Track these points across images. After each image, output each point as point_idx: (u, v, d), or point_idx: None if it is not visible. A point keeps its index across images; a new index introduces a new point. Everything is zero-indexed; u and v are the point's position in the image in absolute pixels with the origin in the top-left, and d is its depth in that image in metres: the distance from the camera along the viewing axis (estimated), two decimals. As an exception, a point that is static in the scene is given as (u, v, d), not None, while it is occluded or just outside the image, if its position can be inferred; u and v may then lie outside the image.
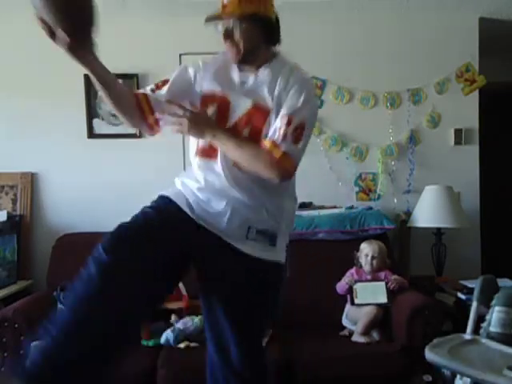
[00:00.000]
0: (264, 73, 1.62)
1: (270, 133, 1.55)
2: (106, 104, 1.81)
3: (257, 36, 1.60)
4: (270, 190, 1.62)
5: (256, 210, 1.60)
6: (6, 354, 2.32)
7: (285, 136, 1.51)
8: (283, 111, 1.55)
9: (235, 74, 1.65)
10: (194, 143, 1.69)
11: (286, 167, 1.56)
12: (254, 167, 1.55)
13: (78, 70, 3.22)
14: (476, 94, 3.29)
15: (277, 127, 1.53)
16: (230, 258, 1.58)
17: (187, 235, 1.58)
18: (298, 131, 1.53)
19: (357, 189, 3.27)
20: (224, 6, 1.56)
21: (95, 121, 3.19)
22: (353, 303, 2.60)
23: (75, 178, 3.17)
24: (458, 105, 3.27)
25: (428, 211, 3.00)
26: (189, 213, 1.59)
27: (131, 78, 3.17)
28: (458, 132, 3.26)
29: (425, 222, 3.00)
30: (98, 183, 3.17)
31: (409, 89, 3.25)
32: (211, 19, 1.59)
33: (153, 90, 1.72)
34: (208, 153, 1.63)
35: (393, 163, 3.26)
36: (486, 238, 3.40)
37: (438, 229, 3.05)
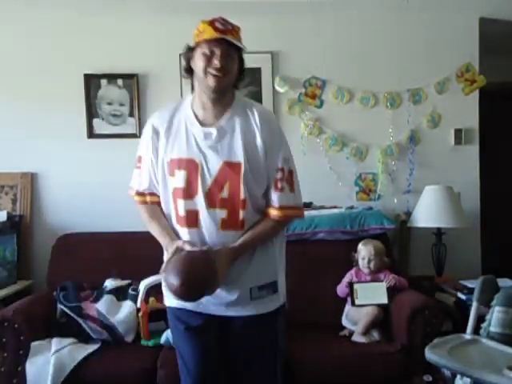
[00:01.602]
0: (227, 121, 1.60)
1: (272, 191, 1.61)
2: (106, 105, 1.79)
3: (235, 72, 1.61)
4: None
5: (252, 269, 1.63)
6: (5, 354, 2.32)
7: (280, 190, 1.61)
8: (274, 165, 1.60)
9: (196, 129, 1.61)
10: (172, 209, 1.64)
11: (294, 216, 1.68)
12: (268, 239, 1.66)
13: (78, 70, 3.26)
14: (476, 93, 3.29)
15: (271, 183, 1.61)
16: (241, 328, 1.65)
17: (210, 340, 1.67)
18: (291, 178, 1.65)
19: (357, 189, 3.27)
20: (223, 31, 1.55)
21: (95, 121, 3.19)
22: (353, 304, 2.60)
23: (75, 178, 3.17)
24: (458, 105, 3.27)
25: (428, 211, 3.00)
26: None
27: (131, 78, 3.17)
28: (457, 132, 3.26)
29: (425, 222, 3.00)
30: (98, 183, 3.17)
31: (409, 89, 3.25)
32: (217, 38, 1.54)
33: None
34: (189, 221, 1.60)
35: (393, 163, 3.26)
36: (485, 238, 3.40)
37: (438, 229, 3.05)
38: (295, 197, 1.66)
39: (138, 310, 2.55)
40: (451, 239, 3.09)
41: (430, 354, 1.90)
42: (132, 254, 2.88)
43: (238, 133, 1.59)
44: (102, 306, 2.58)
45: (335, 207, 3.07)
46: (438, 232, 3.06)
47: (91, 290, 2.69)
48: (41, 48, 3.17)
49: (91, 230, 3.03)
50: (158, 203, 1.70)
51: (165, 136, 1.63)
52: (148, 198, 1.71)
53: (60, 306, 2.59)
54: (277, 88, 3.22)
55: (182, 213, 1.60)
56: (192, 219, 1.59)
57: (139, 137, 3.12)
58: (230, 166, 1.57)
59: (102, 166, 3.19)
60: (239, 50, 1.60)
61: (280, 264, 1.72)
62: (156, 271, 2.69)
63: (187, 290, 1.48)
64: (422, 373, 2.31)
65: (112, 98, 3.19)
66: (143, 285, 2.59)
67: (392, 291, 2.60)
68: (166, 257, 1.62)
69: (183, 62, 1.66)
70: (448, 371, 2.14)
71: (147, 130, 1.69)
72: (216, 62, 1.54)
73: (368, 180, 3.27)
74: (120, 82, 3.19)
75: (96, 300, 2.62)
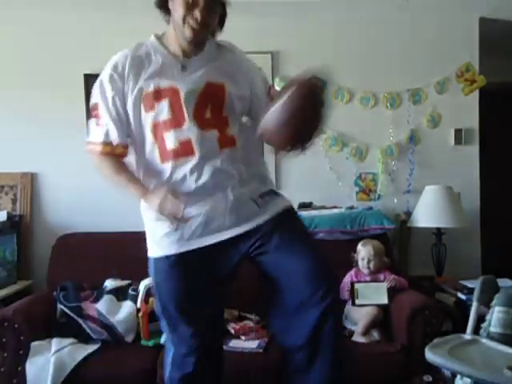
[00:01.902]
0: (204, 55, 1.60)
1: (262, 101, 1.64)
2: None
3: (216, 24, 1.60)
4: (251, 159, 1.66)
5: (248, 183, 1.62)
6: (5, 354, 2.32)
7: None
8: (263, 89, 1.68)
9: (169, 61, 1.58)
10: (153, 148, 1.58)
11: None
12: None
13: (78, 70, 3.26)
14: (476, 93, 3.29)
15: (264, 92, 1.68)
16: (264, 235, 1.60)
17: (215, 267, 1.63)
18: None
19: (357, 189, 3.27)
20: None
21: (95, 121, 3.18)
22: (353, 303, 2.60)
23: (75, 178, 3.16)
24: (458, 105, 3.27)
25: (428, 211, 3.00)
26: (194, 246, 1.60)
27: (131, 78, 3.17)
28: (457, 132, 3.26)
29: (425, 222, 3.00)
30: (98, 183, 3.14)
31: (409, 89, 3.25)
32: None
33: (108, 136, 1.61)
34: (183, 152, 1.56)
35: (393, 163, 3.26)
36: (485, 238, 3.40)
37: (438, 229, 3.05)
38: None
39: (138, 310, 2.55)
40: (451, 239, 3.09)
41: (429, 354, 1.90)
42: (132, 254, 2.85)
43: (216, 64, 1.60)
44: (102, 306, 2.58)
45: (335, 207, 3.07)
46: (438, 232, 3.06)
47: (91, 290, 2.69)
48: (41, 48, 3.17)
49: (91, 230, 3.03)
50: (123, 156, 1.63)
51: (131, 73, 1.56)
52: (117, 150, 1.60)
53: (60, 306, 2.59)
54: (277, 88, 3.22)
55: (172, 146, 1.54)
56: (187, 148, 1.54)
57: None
58: (213, 87, 1.56)
59: (102, 166, 3.19)
60: (223, 6, 1.57)
61: (272, 183, 1.77)
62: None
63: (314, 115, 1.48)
64: (422, 373, 2.31)
65: (112, 98, 3.19)
66: (143, 285, 2.58)
67: (392, 291, 2.60)
68: (159, 198, 1.50)
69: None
70: (448, 371, 2.14)
71: (106, 74, 1.60)
72: (197, 14, 1.49)
73: (368, 180, 3.27)
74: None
75: (96, 300, 2.62)
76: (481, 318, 2.13)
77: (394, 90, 3.25)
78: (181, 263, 1.61)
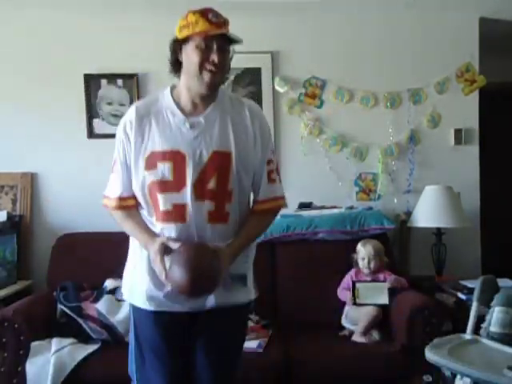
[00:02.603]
0: (214, 111, 1.56)
1: (257, 184, 1.60)
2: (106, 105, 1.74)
3: (229, 66, 1.58)
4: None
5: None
6: (5, 354, 2.32)
7: (273, 181, 1.62)
8: (264, 158, 1.59)
9: (179, 120, 1.54)
10: (147, 205, 1.57)
11: (281, 206, 1.67)
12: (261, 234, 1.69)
13: (79, 70, 3.26)
14: (476, 94, 3.29)
15: (262, 175, 1.60)
16: (209, 321, 1.60)
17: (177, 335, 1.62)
18: (277, 170, 1.65)
19: (357, 189, 3.27)
20: (218, 24, 1.49)
21: (95, 121, 3.19)
22: (354, 303, 2.60)
23: (75, 178, 3.17)
24: (458, 105, 3.27)
25: (428, 211, 3.00)
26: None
27: (131, 78, 3.17)
28: (457, 132, 3.26)
29: (425, 222, 3.00)
30: (98, 183, 3.14)
31: (409, 89, 3.25)
32: (215, 33, 1.48)
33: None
34: (174, 216, 1.52)
35: (393, 163, 3.26)
36: (485, 238, 3.40)
37: (438, 229, 3.05)
38: (282, 187, 1.68)
39: (138, 310, 2.55)
40: (451, 239, 3.09)
41: (430, 354, 1.90)
42: (132, 253, 2.88)
43: (227, 123, 1.55)
44: (102, 306, 2.58)
45: (335, 207, 3.07)
46: (438, 232, 3.06)
47: (91, 290, 2.69)
48: (41, 48, 3.17)
49: (91, 230, 3.03)
50: (136, 206, 1.63)
51: (139, 131, 1.55)
52: (130, 202, 1.62)
53: (60, 306, 2.59)
54: (277, 88, 3.22)
55: (164, 207, 1.51)
56: (179, 213, 1.51)
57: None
58: (220, 156, 1.52)
59: (102, 166, 3.16)
60: (230, 44, 1.54)
61: (251, 263, 1.69)
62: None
63: (197, 285, 1.42)
64: (422, 373, 2.31)
65: (112, 98, 3.19)
66: (143, 285, 2.59)
67: (392, 291, 2.60)
68: (152, 255, 1.51)
69: (170, 55, 1.60)
70: (448, 371, 2.14)
71: (119, 129, 1.60)
72: (214, 58, 1.48)
73: (368, 180, 3.27)
74: (120, 82, 3.19)
75: (96, 300, 2.62)
76: (481, 318, 2.13)
77: (394, 90, 3.25)
78: (155, 318, 1.62)
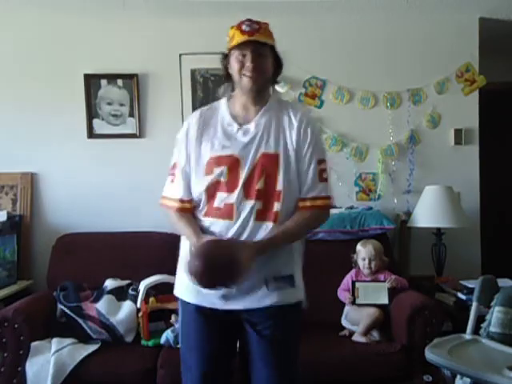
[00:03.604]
0: (263, 116, 1.65)
1: (304, 183, 1.63)
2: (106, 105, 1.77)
3: (270, 69, 1.67)
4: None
5: (272, 259, 1.60)
6: (5, 354, 2.32)
7: (324, 180, 1.65)
8: (313, 157, 1.63)
9: (233, 128, 1.65)
10: (203, 204, 1.65)
11: (327, 207, 1.68)
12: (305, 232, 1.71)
13: (79, 70, 3.26)
14: (476, 94, 3.29)
15: (313, 172, 1.63)
16: (260, 318, 1.62)
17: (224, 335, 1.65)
18: (325, 171, 1.67)
19: (357, 189, 3.27)
20: (250, 32, 1.60)
21: (95, 121, 3.19)
22: (354, 302, 2.60)
23: (75, 178, 3.17)
24: (458, 105, 3.27)
25: (428, 211, 3.00)
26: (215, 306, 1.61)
27: (131, 78, 3.17)
28: (457, 132, 3.26)
29: (425, 222, 2.99)
30: (98, 183, 3.17)
31: (409, 89, 3.25)
32: (245, 41, 1.59)
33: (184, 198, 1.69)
34: (224, 213, 1.60)
35: (393, 163, 3.26)
36: (486, 238, 3.40)
37: (438, 229, 3.05)
38: (331, 188, 1.70)
39: (138, 310, 2.55)
40: (451, 239, 3.09)
41: (430, 354, 1.90)
42: (132, 254, 2.88)
43: (277, 125, 1.64)
44: (102, 305, 2.58)
45: (335, 207, 3.06)
46: (438, 232, 3.06)
47: (91, 290, 2.69)
48: (41, 48, 3.17)
49: (91, 230, 3.03)
50: (192, 209, 1.69)
51: (199, 137, 1.66)
52: (188, 205, 1.68)
53: (60, 306, 2.59)
54: (277, 88, 3.21)
55: (217, 205, 1.61)
56: (227, 211, 1.59)
57: (139, 137, 3.19)
58: (268, 157, 1.61)
59: (101, 166, 3.19)
60: (271, 46, 1.65)
61: (298, 261, 1.70)
62: (156, 271, 2.71)
63: (210, 275, 1.46)
64: (422, 373, 2.31)
65: (112, 98, 3.19)
66: (143, 285, 2.59)
67: (392, 291, 2.60)
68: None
69: (222, 69, 1.71)
70: (448, 371, 2.14)
71: (181, 134, 1.71)
72: (248, 64, 1.60)
73: (368, 180, 3.27)
74: (120, 82, 3.19)
75: (96, 300, 2.62)
76: (481, 318, 2.13)
77: (394, 90, 3.25)
78: (199, 313, 1.66)
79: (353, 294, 2.61)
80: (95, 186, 3.17)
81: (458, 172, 3.25)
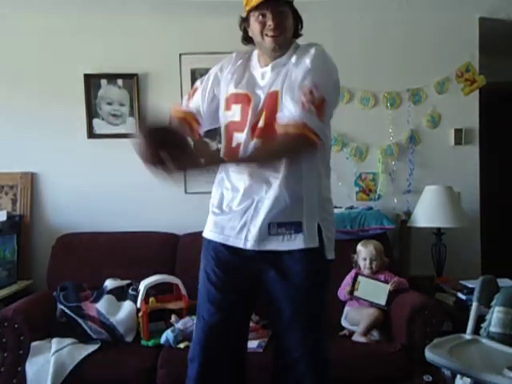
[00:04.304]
0: (280, 60, 1.67)
1: (284, 111, 1.58)
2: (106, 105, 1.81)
3: (291, 24, 1.69)
4: (285, 178, 1.61)
5: (274, 203, 1.61)
6: (5, 354, 2.32)
7: (306, 110, 1.53)
8: (301, 83, 1.57)
9: (256, 71, 1.71)
10: (223, 142, 1.73)
11: (307, 136, 1.52)
12: (282, 159, 1.60)
13: (78, 70, 3.26)
14: (476, 93, 3.28)
15: (294, 101, 1.56)
16: (273, 261, 1.64)
17: (243, 278, 1.70)
18: (322, 106, 1.55)
19: (357, 189, 3.27)
20: None
21: (95, 121, 3.19)
22: (351, 293, 2.61)
23: (75, 178, 3.17)
24: (458, 105, 3.27)
25: (428, 211, 2.99)
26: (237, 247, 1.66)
27: (131, 78, 3.17)
28: (457, 132, 3.26)
29: (425, 222, 2.99)
30: (98, 183, 3.17)
31: (409, 89, 3.25)
32: (263, 1, 1.58)
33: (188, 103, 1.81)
34: (236, 152, 1.66)
35: (393, 163, 3.26)
36: (485, 238, 3.40)
37: (438, 229, 3.05)
38: (321, 126, 1.55)
39: (138, 310, 2.55)
40: (451, 239, 3.09)
41: (429, 354, 1.90)
42: (132, 254, 2.88)
43: (287, 68, 1.65)
44: (102, 305, 2.58)
45: (335, 207, 3.05)
46: (438, 232, 3.06)
47: (91, 290, 2.69)
48: (41, 48, 3.17)
49: (91, 230, 3.03)
50: (192, 123, 1.76)
51: (229, 73, 1.72)
52: (188, 116, 1.76)
53: (60, 306, 2.59)
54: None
55: (233, 145, 1.67)
56: (237, 151, 1.65)
57: (139, 137, 3.18)
58: (271, 96, 1.63)
59: (102, 166, 3.19)
60: (290, 4, 1.66)
61: (306, 209, 1.63)
62: (156, 271, 2.71)
63: (153, 144, 1.48)
64: (422, 373, 2.31)
65: (112, 98, 3.19)
66: (143, 285, 2.59)
67: (393, 294, 2.59)
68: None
69: (240, 32, 1.73)
70: (448, 371, 2.14)
71: (215, 67, 1.78)
72: (270, 23, 1.61)
73: (368, 180, 3.27)
74: (120, 82, 3.19)
75: (96, 300, 2.62)
76: (481, 318, 2.13)
77: (394, 90, 3.25)
78: (217, 250, 1.71)
79: (352, 286, 2.61)
80: (95, 186, 3.17)
81: (458, 172, 3.25)
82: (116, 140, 3.18)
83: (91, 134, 3.19)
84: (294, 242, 1.62)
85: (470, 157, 3.29)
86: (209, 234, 1.73)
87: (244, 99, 1.66)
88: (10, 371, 2.31)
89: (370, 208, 3.08)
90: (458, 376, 2.03)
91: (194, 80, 3.17)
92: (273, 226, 1.61)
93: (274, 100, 1.62)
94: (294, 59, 1.66)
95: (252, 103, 1.64)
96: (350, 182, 3.26)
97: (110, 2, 3.15)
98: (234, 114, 1.67)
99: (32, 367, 2.29)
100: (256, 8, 1.60)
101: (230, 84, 1.70)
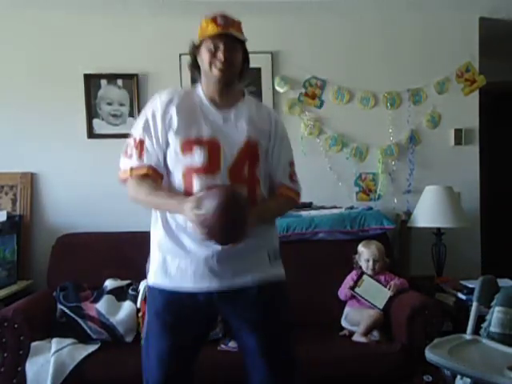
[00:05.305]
0: (241, 108, 1.69)
1: (280, 175, 1.74)
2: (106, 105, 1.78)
3: (240, 62, 1.68)
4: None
5: (267, 233, 1.71)
6: (5, 354, 2.32)
7: (293, 179, 1.79)
8: (286, 158, 1.76)
9: (212, 114, 1.66)
10: (180, 188, 1.63)
11: (297, 201, 1.84)
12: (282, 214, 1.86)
13: (78, 70, 3.26)
14: (476, 94, 3.29)
15: (286, 171, 1.76)
16: (248, 298, 1.65)
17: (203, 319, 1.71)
18: (295, 173, 1.82)
19: (357, 189, 3.27)
20: (225, 26, 1.61)
21: (95, 121, 3.19)
22: (352, 289, 2.62)
23: (75, 178, 3.17)
24: (458, 105, 3.27)
25: (428, 211, 3.00)
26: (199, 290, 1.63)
27: (131, 78, 3.17)
28: (457, 132, 3.26)
29: (425, 221, 2.99)
30: (98, 183, 3.17)
31: (409, 89, 3.25)
32: (220, 33, 1.61)
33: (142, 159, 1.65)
34: None
35: (393, 163, 3.26)
36: (485, 238, 3.40)
37: (438, 229, 3.05)
38: (299, 185, 1.83)
39: (138, 310, 2.55)
40: (451, 239, 3.09)
41: (430, 354, 1.90)
42: (132, 254, 2.87)
43: (253, 119, 1.69)
44: (102, 305, 2.58)
45: (335, 207, 3.07)
46: (438, 232, 3.06)
47: (91, 290, 2.69)
48: (41, 48, 3.17)
49: (91, 230, 3.03)
50: (161, 179, 1.66)
51: (177, 114, 1.63)
52: (151, 172, 1.64)
53: (60, 306, 2.59)
54: (277, 88, 3.22)
55: (197, 188, 1.58)
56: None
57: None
58: (251, 145, 1.65)
59: (101, 166, 3.18)
60: (242, 43, 1.67)
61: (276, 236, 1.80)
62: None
63: (229, 227, 1.47)
64: (422, 373, 2.31)
65: (112, 98, 3.19)
66: (143, 285, 2.59)
67: (392, 298, 2.59)
68: (187, 209, 1.51)
69: (189, 59, 1.74)
70: (448, 371, 2.14)
71: (155, 106, 1.66)
72: (220, 56, 1.61)
73: (368, 180, 3.27)
74: (120, 82, 3.19)
75: (96, 300, 2.62)
76: (481, 318, 2.13)
77: (394, 90, 3.25)
78: (166, 297, 1.67)
79: (356, 281, 2.62)
80: (95, 186, 3.17)
81: (458, 172, 3.25)
82: (116, 140, 3.17)
83: (91, 134, 3.19)
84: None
85: (469, 157, 3.30)
86: None
87: (210, 144, 1.60)
88: (10, 371, 2.31)
89: (370, 208, 3.08)
90: (458, 376, 2.03)
91: (194, 80, 3.17)
92: (271, 253, 1.71)
93: (255, 151, 1.66)
94: (254, 111, 1.71)
95: (222, 149, 1.61)
96: (350, 182, 3.26)
97: (110, 2, 3.15)
98: (196, 157, 1.59)
99: (32, 367, 2.29)
100: (211, 38, 1.62)
101: (181, 127, 1.62)
